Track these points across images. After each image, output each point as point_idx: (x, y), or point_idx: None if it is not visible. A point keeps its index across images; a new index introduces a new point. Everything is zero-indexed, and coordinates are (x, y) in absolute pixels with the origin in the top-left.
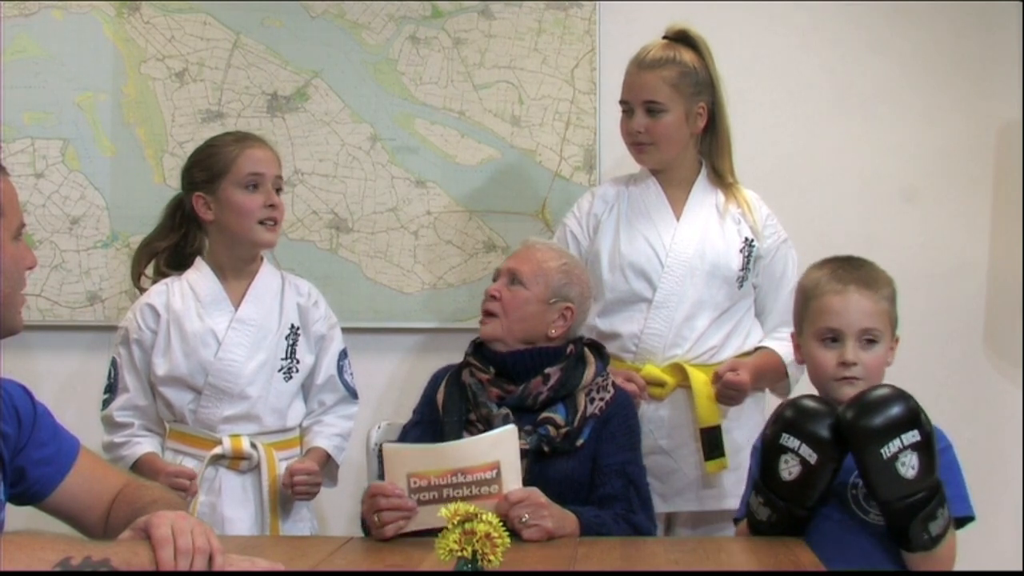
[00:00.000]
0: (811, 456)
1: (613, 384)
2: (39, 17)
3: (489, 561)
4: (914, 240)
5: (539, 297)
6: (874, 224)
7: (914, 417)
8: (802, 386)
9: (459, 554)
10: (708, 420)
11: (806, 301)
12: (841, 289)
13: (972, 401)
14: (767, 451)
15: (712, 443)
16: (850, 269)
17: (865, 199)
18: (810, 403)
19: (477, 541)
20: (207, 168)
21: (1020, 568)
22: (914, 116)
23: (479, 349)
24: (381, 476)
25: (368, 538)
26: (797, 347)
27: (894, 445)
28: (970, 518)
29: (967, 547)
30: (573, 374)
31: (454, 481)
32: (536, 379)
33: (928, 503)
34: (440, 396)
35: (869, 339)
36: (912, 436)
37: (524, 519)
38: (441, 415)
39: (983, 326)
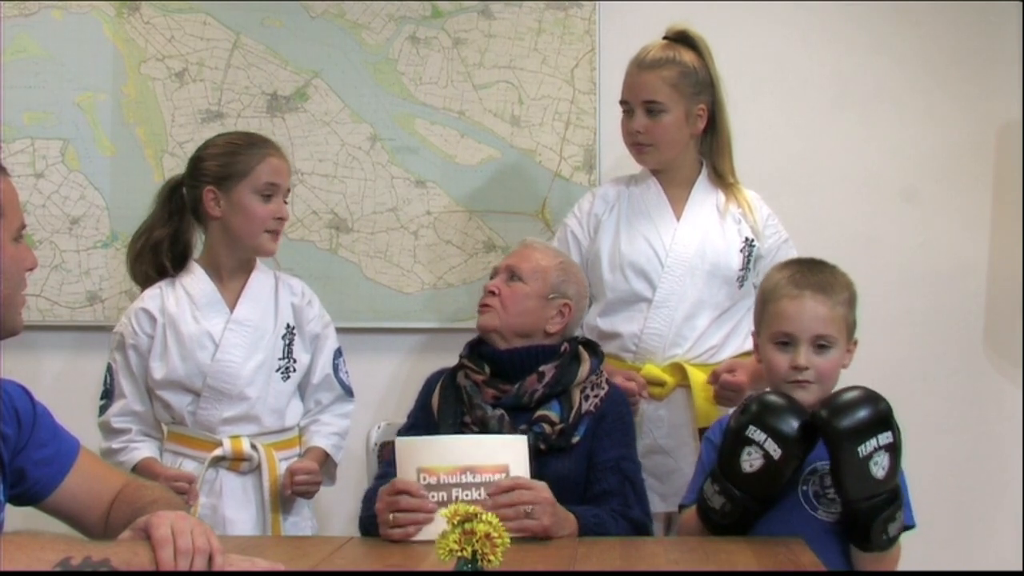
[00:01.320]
0: (775, 451)
1: (607, 381)
2: (39, 17)
3: (489, 561)
4: (914, 240)
5: (538, 292)
6: (874, 224)
7: (887, 418)
8: None
9: (459, 554)
10: (707, 420)
11: (764, 304)
12: (796, 294)
13: (972, 401)
14: (731, 441)
15: None
16: (807, 274)
17: (865, 199)
18: (778, 399)
19: (477, 541)
20: (225, 165)
21: (1020, 568)
22: (914, 116)
23: (474, 349)
24: (383, 472)
25: (368, 538)
26: (756, 347)
27: (870, 444)
28: (910, 526)
29: (967, 547)
30: (568, 370)
31: (463, 481)
32: (531, 376)
33: (890, 505)
34: (435, 400)
35: (822, 344)
36: (886, 437)
37: (530, 509)
38: (436, 418)
39: (983, 326)
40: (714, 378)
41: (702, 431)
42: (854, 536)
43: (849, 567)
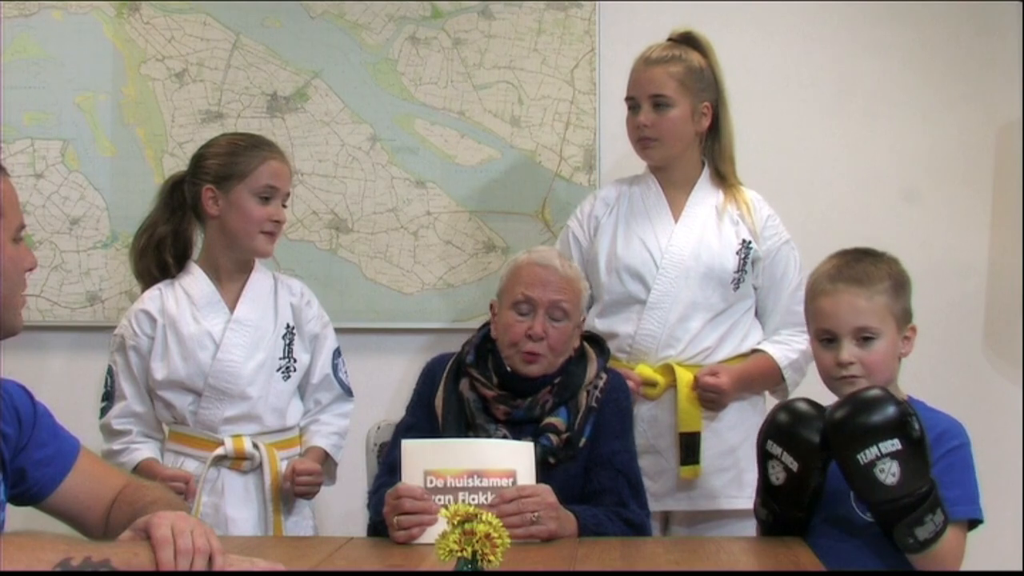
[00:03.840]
0: (793, 464)
1: (606, 369)
2: (39, 17)
3: (489, 561)
4: (914, 240)
5: (576, 323)
6: (874, 224)
7: (896, 425)
8: (803, 388)
9: (459, 554)
10: (687, 425)
11: (808, 302)
12: (831, 290)
13: (972, 401)
14: (759, 456)
15: (689, 449)
16: (844, 268)
17: (865, 199)
18: (800, 407)
19: (477, 541)
20: (226, 165)
21: (1020, 568)
22: (914, 116)
23: (481, 355)
24: (383, 481)
25: (371, 538)
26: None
27: (871, 452)
28: (978, 521)
29: (968, 547)
30: (575, 373)
31: (470, 484)
32: (544, 389)
33: (913, 509)
34: (439, 405)
35: (866, 336)
36: (892, 444)
37: (536, 516)
38: (440, 425)
39: (983, 326)
40: (696, 381)
41: (681, 436)
42: (886, 537)
43: (900, 566)
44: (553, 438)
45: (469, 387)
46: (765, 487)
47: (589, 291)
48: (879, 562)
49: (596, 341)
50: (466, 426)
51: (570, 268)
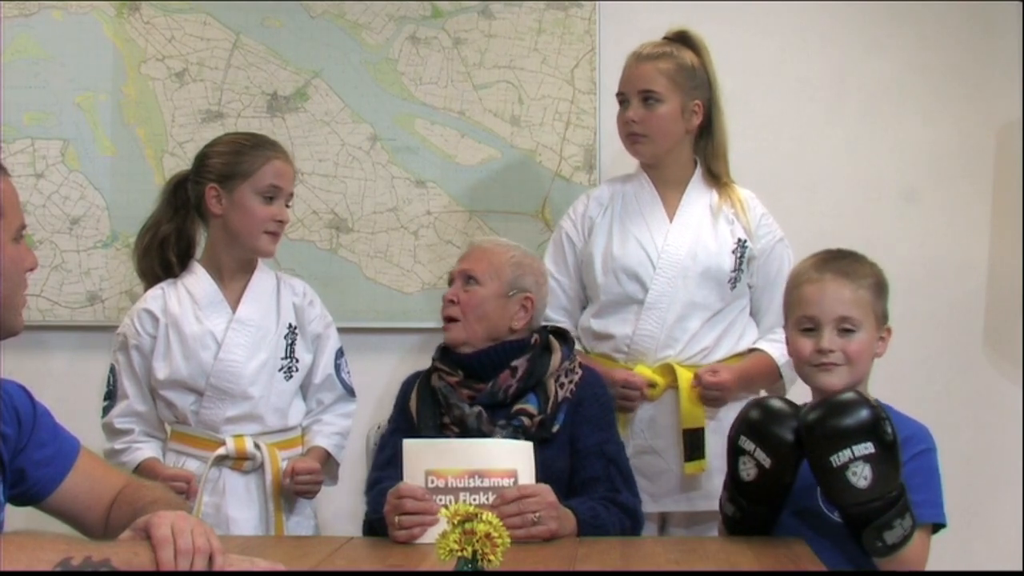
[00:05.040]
0: (765, 460)
1: (581, 365)
2: (39, 17)
3: (489, 561)
4: (914, 240)
5: (496, 293)
6: (874, 224)
7: (870, 428)
8: (800, 387)
9: (459, 554)
10: (691, 422)
11: (789, 291)
12: (818, 278)
13: (972, 401)
14: (730, 451)
15: (693, 445)
16: (831, 260)
17: (865, 199)
18: (774, 404)
19: (477, 541)
20: (229, 164)
21: (1020, 568)
22: (914, 116)
23: (446, 353)
24: (378, 477)
25: (369, 538)
26: (788, 340)
27: (844, 455)
28: (942, 525)
29: (968, 546)
30: (540, 362)
31: (471, 484)
32: (504, 373)
33: (883, 513)
34: (413, 404)
35: (847, 327)
36: (865, 448)
37: (537, 516)
38: (415, 422)
39: (983, 326)
40: (697, 380)
41: (685, 432)
42: (854, 539)
43: (869, 565)
44: (525, 420)
45: (438, 379)
46: (734, 483)
47: (537, 278)
48: (848, 562)
49: (560, 334)
50: (440, 413)
51: (492, 244)
